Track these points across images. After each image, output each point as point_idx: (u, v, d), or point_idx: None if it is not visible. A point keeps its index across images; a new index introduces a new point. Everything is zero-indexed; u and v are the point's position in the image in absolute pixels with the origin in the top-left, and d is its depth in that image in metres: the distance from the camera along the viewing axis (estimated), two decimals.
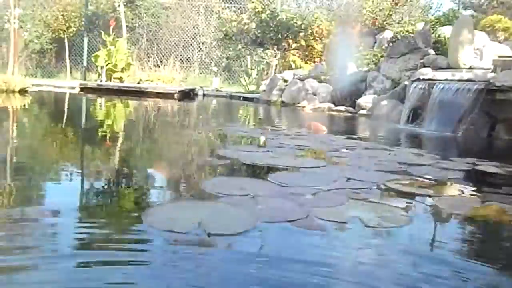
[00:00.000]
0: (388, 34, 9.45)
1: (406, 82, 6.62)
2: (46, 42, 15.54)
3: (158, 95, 9.09)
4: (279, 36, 9.12)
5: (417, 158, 3.01)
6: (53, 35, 14.83)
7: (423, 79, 5.98)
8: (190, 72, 16.65)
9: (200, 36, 16.91)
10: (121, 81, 13.64)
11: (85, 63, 15.37)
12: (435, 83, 5.50)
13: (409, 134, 4.98)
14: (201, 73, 16.53)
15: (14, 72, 14.55)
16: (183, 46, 16.93)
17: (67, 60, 14.84)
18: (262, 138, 3.14)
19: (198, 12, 17.04)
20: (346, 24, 12.90)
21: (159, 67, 16.83)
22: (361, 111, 7.02)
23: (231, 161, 2.59)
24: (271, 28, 9.00)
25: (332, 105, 7.67)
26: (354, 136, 4.09)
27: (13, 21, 14.31)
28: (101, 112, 6.39)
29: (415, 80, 6.02)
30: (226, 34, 9.03)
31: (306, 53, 11.77)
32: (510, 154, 4.03)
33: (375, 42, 9.97)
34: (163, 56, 17.06)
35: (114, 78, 13.58)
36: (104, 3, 16.89)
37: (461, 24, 6.29)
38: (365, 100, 7.09)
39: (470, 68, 6.31)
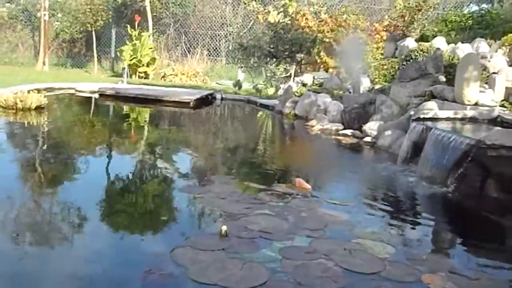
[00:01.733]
0: (409, 42, 9.23)
1: (412, 112, 6.53)
2: (76, 31, 15.84)
3: (174, 103, 9.27)
4: (293, 49, 9.06)
5: (371, 259, 3.07)
6: (81, 28, 15.12)
7: (423, 118, 5.91)
8: (217, 62, 16.71)
9: (227, 26, 16.88)
10: (146, 75, 13.89)
11: (113, 54, 15.68)
12: (432, 128, 5.42)
13: (397, 189, 4.97)
14: (228, 63, 16.58)
15: (45, 63, 15.05)
16: (210, 36, 16.96)
17: (95, 52, 15.13)
18: (224, 228, 3.26)
19: (225, 2, 16.96)
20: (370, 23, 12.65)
21: (186, 56, 16.99)
22: (366, 138, 6.99)
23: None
24: (285, 42, 8.94)
25: (340, 126, 7.64)
26: (330, 202, 4.13)
27: (43, 12, 14.71)
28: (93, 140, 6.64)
29: (415, 119, 5.94)
30: (241, 45, 9.04)
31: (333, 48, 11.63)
32: (490, 230, 4.02)
33: (396, 49, 9.76)
34: (190, 45, 17.17)
35: (139, 72, 13.86)
36: None
37: (467, 60, 6.12)
38: (371, 127, 7.03)
39: (476, 104, 6.19)
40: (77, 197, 3.88)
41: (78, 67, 16.03)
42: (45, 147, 5.76)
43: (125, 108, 9.30)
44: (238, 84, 10.07)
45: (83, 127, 7.21)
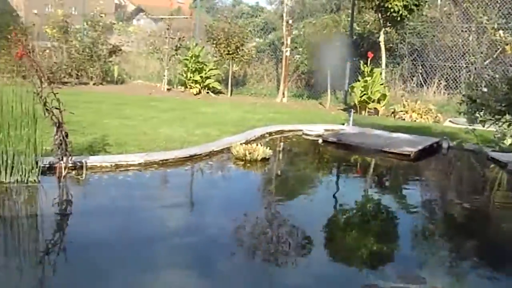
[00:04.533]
0: None
1: None
2: (314, 65, 16.69)
3: (394, 154, 9.08)
4: None
5: None
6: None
7: None
8: (455, 95, 15.72)
9: (469, 55, 15.74)
10: (376, 112, 13.89)
11: (346, 87, 16.08)
12: None
13: None
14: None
15: (284, 95, 16.33)
16: (449, 66, 16.07)
17: (328, 86, 15.77)
18: None
19: (469, 30, 15.84)
20: None
21: (422, 86, 16.45)
22: None
23: None
24: None
25: None
26: None
27: (285, 49, 16.02)
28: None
29: None
30: (469, 98, 8.27)
31: None
32: None
33: None
34: (427, 76, 16.55)
35: (368, 109, 13.96)
36: (370, 23, 17.21)
37: None
38: None
39: None
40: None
41: (314, 98, 16.94)
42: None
43: (343, 157, 9.49)
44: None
45: (292, 184, 7.60)
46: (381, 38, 14.51)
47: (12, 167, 5.94)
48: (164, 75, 17.87)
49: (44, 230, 5.15)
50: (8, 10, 18.69)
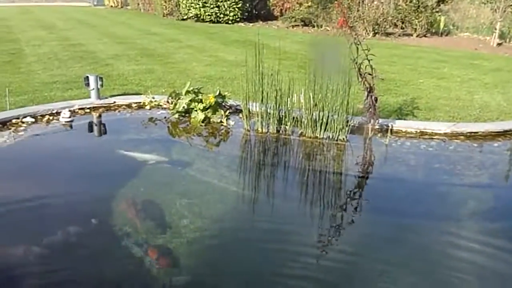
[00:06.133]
0: None
1: None
2: None
3: None
4: None
5: None
6: None
7: None
8: None
9: None
10: None
11: None
12: None
13: None
14: None
15: None
16: None
17: None
18: None
19: None
20: None
21: None
22: None
23: None
24: None
25: None
26: None
27: None
28: None
29: None
30: None
31: None
32: None
33: None
34: None
35: None
36: None
37: None
38: None
39: None
40: None
41: None
42: None
43: None
44: None
45: None
46: None
47: (326, 124, 6.62)
48: (496, 28, 16.32)
49: (346, 186, 5.69)
50: None
